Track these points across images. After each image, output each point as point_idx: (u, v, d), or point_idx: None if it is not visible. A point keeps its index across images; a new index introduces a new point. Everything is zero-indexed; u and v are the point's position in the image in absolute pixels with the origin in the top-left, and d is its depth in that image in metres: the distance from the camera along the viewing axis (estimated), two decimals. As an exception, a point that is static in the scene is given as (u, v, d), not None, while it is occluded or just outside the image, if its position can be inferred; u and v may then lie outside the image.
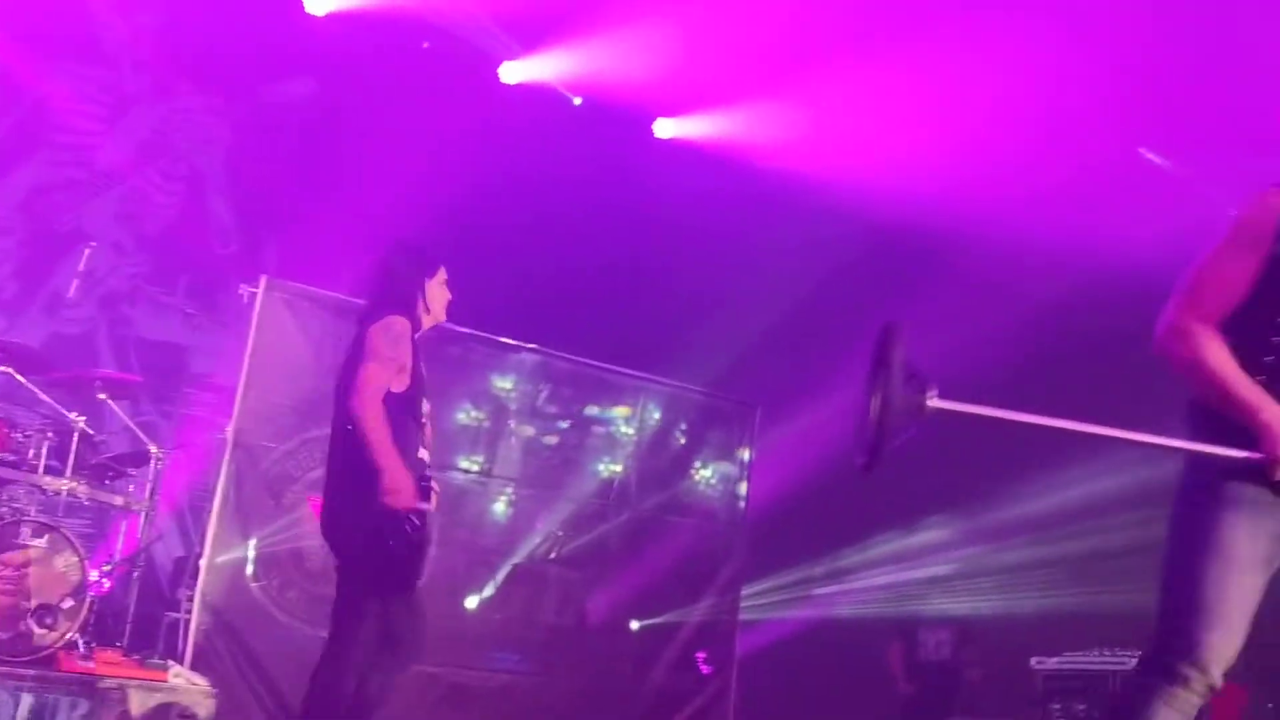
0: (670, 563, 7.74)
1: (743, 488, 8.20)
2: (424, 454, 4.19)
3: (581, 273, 8.65)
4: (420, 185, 7.78)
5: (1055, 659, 6.67)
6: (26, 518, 5.37)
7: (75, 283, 6.56)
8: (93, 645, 5.36)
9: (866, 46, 7.31)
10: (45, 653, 5.14)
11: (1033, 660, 6.74)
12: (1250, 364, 2.49)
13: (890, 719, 8.42)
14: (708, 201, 9.01)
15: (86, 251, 6.48)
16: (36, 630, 5.15)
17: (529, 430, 7.45)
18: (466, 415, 7.21)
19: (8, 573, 5.16)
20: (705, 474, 8.23)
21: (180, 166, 8.42)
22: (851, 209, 8.31)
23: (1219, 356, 2.49)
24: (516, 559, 7.17)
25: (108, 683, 5.05)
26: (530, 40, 8.57)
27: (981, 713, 8.06)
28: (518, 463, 7.32)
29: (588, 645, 7.45)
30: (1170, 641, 2.39)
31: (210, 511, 6.23)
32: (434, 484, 4.28)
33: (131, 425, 6.41)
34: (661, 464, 7.97)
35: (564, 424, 7.69)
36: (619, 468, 7.82)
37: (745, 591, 8.28)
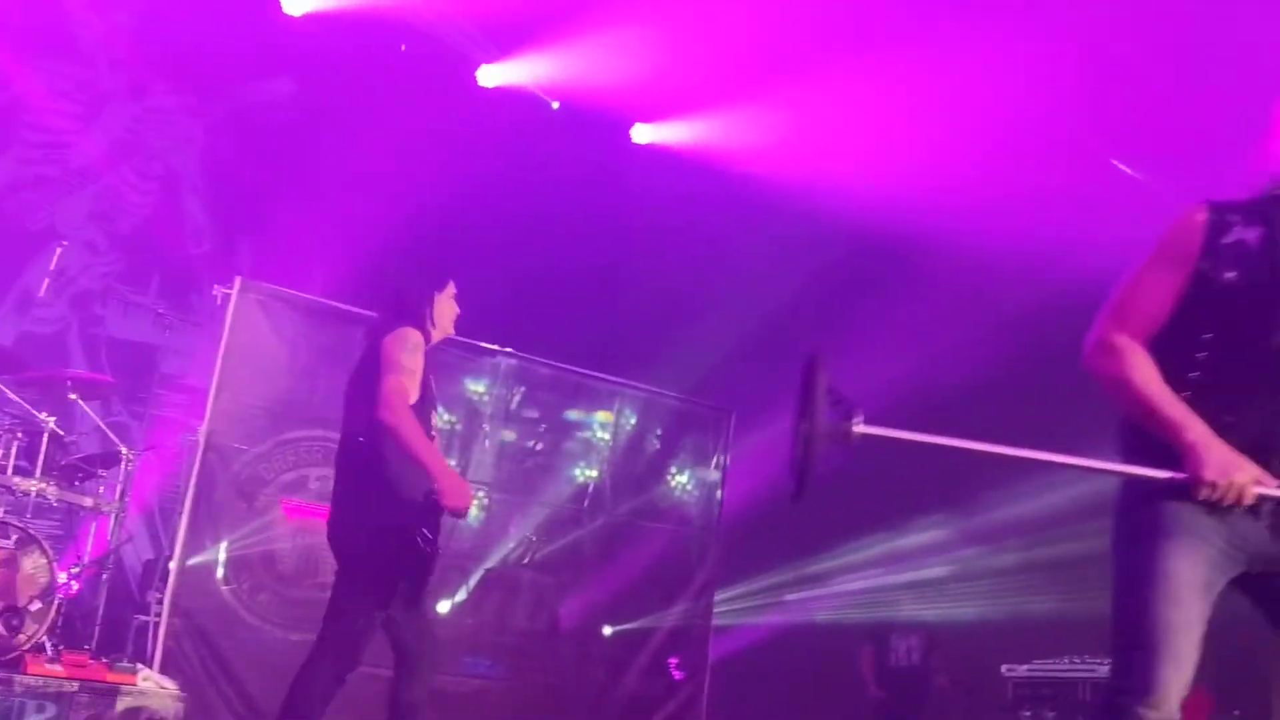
0: (644, 568, 7.74)
1: (718, 493, 8.20)
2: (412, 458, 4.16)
3: (557, 277, 8.65)
4: (396, 188, 7.77)
5: (1026, 666, 6.69)
6: (-6, 519, 5.31)
7: (46, 282, 6.50)
8: (60, 648, 5.31)
9: (842, 54, 7.33)
10: (12, 655, 5.09)
11: (1003, 667, 6.77)
12: (1176, 381, 2.49)
13: (861, 724, 8.45)
14: (684, 207, 9.03)
15: (58, 250, 6.43)
16: (3, 633, 5.10)
17: (503, 435, 7.44)
18: (439, 419, 7.18)
19: (-25, 574, 5.11)
20: (681, 479, 8.23)
21: (155, 165, 8.37)
22: (828, 215, 8.34)
23: (1145, 373, 2.48)
24: (489, 564, 7.16)
25: (74, 686, 5.01)
26: (508, 44, 8.56)
27: (952, 719, 8.11)
28: (491, 467, 7.30)
29: (560, 650, 7.44)
30: (1124, 681, 2.37)
31: (181, 514, 6.19)
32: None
33: (102, 426, 6.36)
34: (637, 469, 7.97)
35: (539, 429, 7.67)
36: (594, 473, 7.82)
37: (719, 597, 8.29)
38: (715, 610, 8.18)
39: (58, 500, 5.80)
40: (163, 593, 6.04)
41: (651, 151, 9.25)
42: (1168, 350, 2.55)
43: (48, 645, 5.23)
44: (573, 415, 7.87)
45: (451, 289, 4.50)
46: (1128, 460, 2.49)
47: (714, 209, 9.01)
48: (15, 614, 5.14)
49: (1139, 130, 6.84)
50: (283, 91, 8.72)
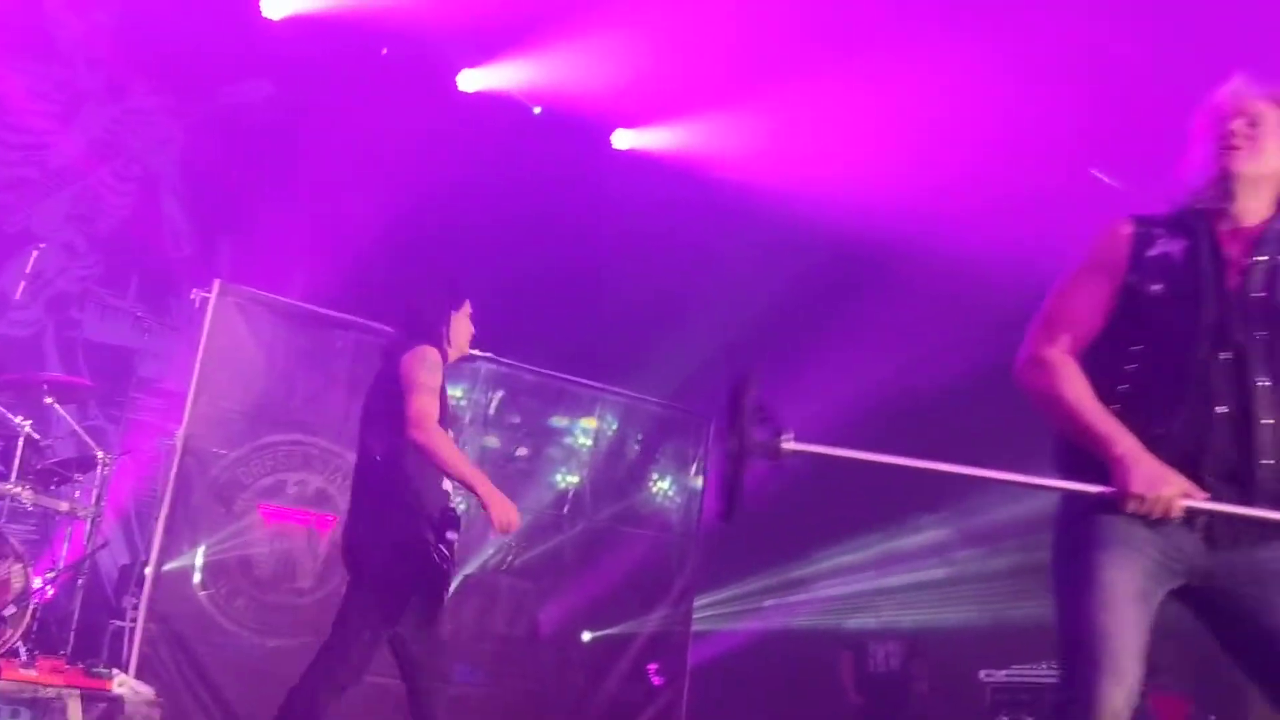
0: (624, 574, 7.74)
1: (697, 499, 8.21)
2: (448, 484, 4.17)
3: (537, 282, 8.64)
4: (376, 192, 7.76)
5: (1004, 671, 6.72)
6: (-32, 523, 5.27)
7: (22, 285, 6.45)
8: (35, 653, 5.27)
9: (823, 61, 7.36)
10: (-14, 661, 5.05)
11: (981, 673, 6.79)
12: (1106, 393, 2.50)
13: (840, 730, 8.45)
14: (665, 212, 9.04)
15: (35, 253, 6.39)
16: (-23, 638, 5.06)
17: (484, 440, 7.42)
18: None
19: (-52, 579, 5.07)
20: (662, 485, 8.24)
21: (134, 167, 8.33)
22: (808, 221, 8.36)
23: (1075, 388, 2.49)
24: (468, 570, 7.13)
25: (49, 692, 4.97)
26: (489, 48, 8.56)
27: (931, 725, 8.13)
28: (470, 472, 7.27)
29: (539, 656, 7.43)
30: (1068, 693, 2.37)
31: (158, 518, 6.15)
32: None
33: (78, 430, 6.31)
34: (617, 474, 7.97)
35: (520, 434, 7.66)
36: (575, 478, 7.81)
37: (698, 602, 8.29)
38: (695, 616, 8.18)
39: (33, 505, 5.76)
40: (139, 598, 6.00)
41: (632, 157, 9.25)
42: (1097, 363, 2.56)
43: (22, 651, 5.19)
44: (553, 421, 7.87)
45: (467, 308, 4.52)
46: (1064, 476, 2.50)
47: (694, 214, 9.02)
48: (-11, 619, 5.10)
49: (1119, 137, 6.88)
50: (262, 94, 8.68)
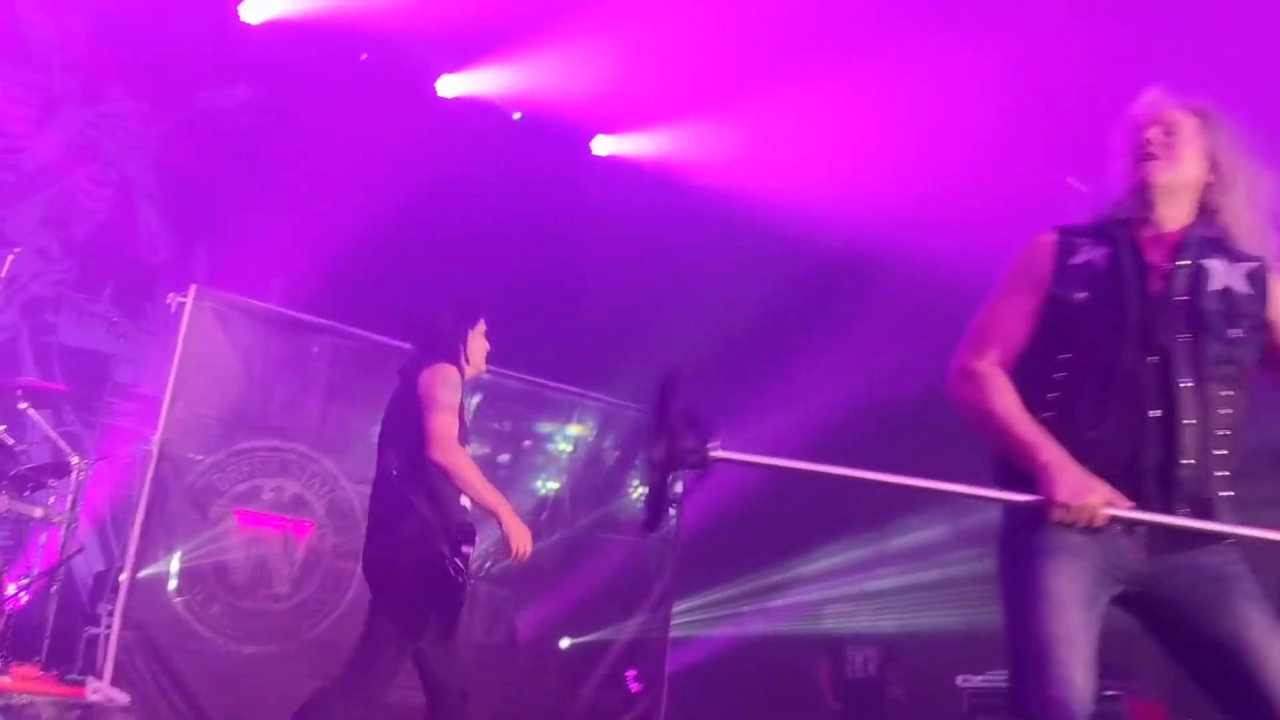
0: (602, 580, 7.73)
1: (675, 505, 8.21)
2: (466, 500, 4.20)
3: (516, 287, 8.63)
4: (355, 197, 7.74)
5: (980, 677, 6.74)
6: (-59, 529, 5.24)
7: (-4, 289, 6.41)
8: (9, 660, 5.23)
9: (802, 69, 7.39)
10: (-42, 668, 5.01)
11: (959, 678, 6.81)
12: (1037, 402, 2.52)
13: (818, 736, 8.47)
14: (645, 219, 9.05)
15: (10, 257, 6.34)
16: (-50, 645, 5.02)
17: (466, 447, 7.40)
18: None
19: (-80, 586, 5.03)
20: (641, 491, 8.23)
21: (110, 172, 8.28)
22: (788, 229, 8.39)
23: (1004, 399, 2.51)
24: (446, 576, 7.10)
25: (23, 699, 4.93)
26: (469, 54, 8.56)
27: (908, 730, 8.15)
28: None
29: (517, 663, 7.41)
30: (1018, 702, 2.38)
31: (133, 524, 6.12)
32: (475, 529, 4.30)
33: (53, 435, 6.27)
34: (596, 480, 7.97)
35: (499, 440, 7.65)
36: (555, 485, 7.81)
37: (676, 609, 8.29)
38: (673, 622, 8.19)
39: (7, 511, 5.71)
40: (114, 604, 5.96)
41: (612, 163, 9.26)
42: (1028, 373, 2.59)
43: (-5, 658, 5.15)
44: (532, 426, 7.86)
45: (482, 325, 4.55)
46: (999, 487, 2.51)
47: (674, 221, 9.03)
48: (-38, 626, 5.06)
49: (1098, 147, 6.92)
50: (240, 99, 8.65)
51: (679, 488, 8.31)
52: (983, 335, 2.62)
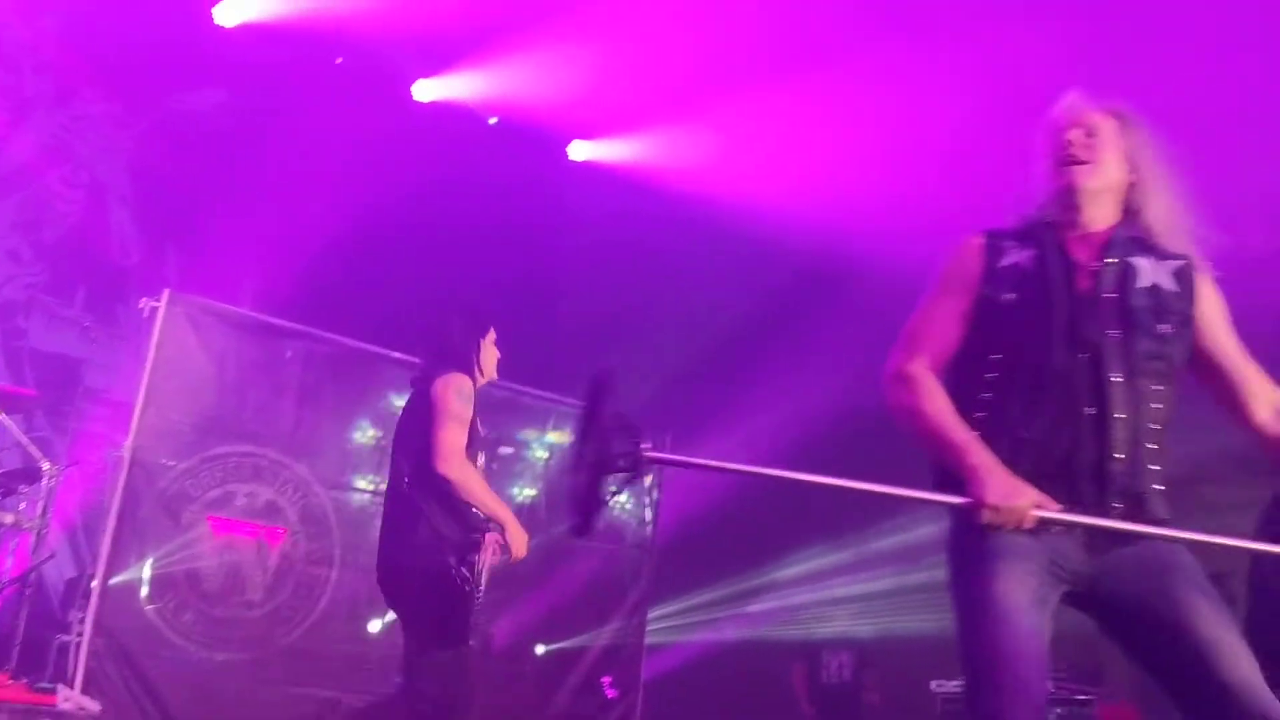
0: (578, 586, 7.72)
1: (650, 512, 8.21)
2: (478, 509, 4.22)
3: (492, 293, 8.60)
4: (329, 201, 7.71)
5: (954, 682, 6.76)
6: (-91, 536, 5.18)
7: (-34, 293, 6.36)
8: (-23, 669, 5.18)
9: (776, 77, 7.41)
10: (-74, 677, 4.96)
11: (933, 683, 6.84)
12: (971, 403, 2.54)
13: (793, 742, 8.48)
14: (621, 224, 9.05)
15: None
16: (-83, 653, 4.96)
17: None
18: (363, 434, 7.14)
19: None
20: (619, 498, 8.22)
21: (82, 174, 8.22)
22: (763, 235, 8.40)
23: (935, 402, 2.52)
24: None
25: (-8, 708, 4.89)
26: (445, 59, 8.54)
27: (882, 735, 8.17)
28: (424, 484, 7.24)
29: (493, 669, 7.38)
30: (974, 710, 2.37)
31: (105, 531, 6.07)
32: (490, 537, 4.31)
33: (24, 441, 6.22)
34: (572, 486, 7.95)
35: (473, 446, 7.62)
36: (531, 491, 7.79)
37: (651, 615, 8.29)
38: (648, 628, 8.19)
39: (-24, 517, 5.66)
40: (85, 611, 5.91)
41: (589, 168, 9.26)
42: (961, 374, 2.61)
43: (-36, 666, 5.10)
44: (509, 433, 7.84)
45: (493, 335, 4.59)
46: (937, 491, 2.51)
47: (651, 227, 9.04)
48: (-70, 634, 5.01)
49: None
50: (214, 102, 8.61)
51: (651, 492, 8.33)
52: (915, 339, 2.64)
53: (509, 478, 7.74)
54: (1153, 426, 2.49)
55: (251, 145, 8.23)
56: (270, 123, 8.23)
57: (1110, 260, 2.58)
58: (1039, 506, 2.33)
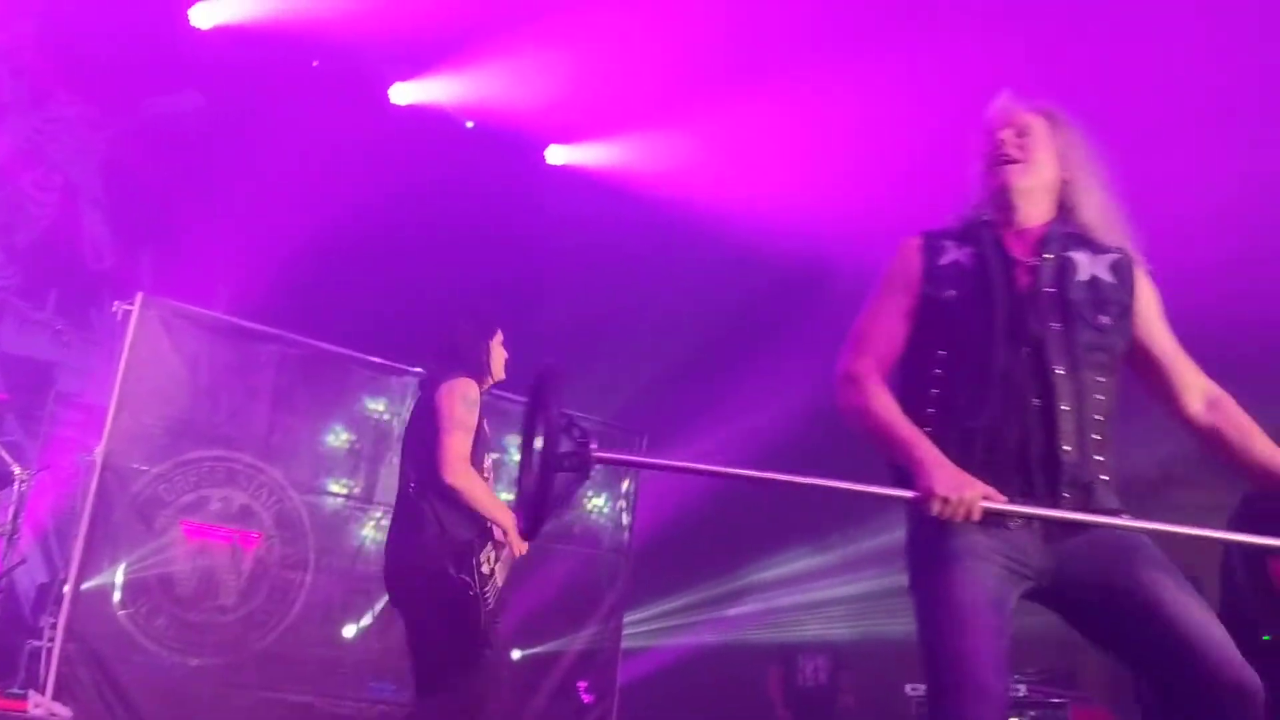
0: (555, 591, 7.71)
1: (627, 516, 8.21)
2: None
3: (469, 296, 8.59)
4: (305, 205, 7.68)
5: (929, 686, 6.78)
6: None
7: (-62, 296, 6.31)
8: (-54, 675, 5.14)
9: (753, 82, 7.43)
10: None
11: (907, 687, 6.85)
12: (920, 399, 2.57)
13: (769, 746, 8.49)
14: (599, 228, 9.06)
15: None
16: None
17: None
18: (336, 438, 7.12)
19: None
20: (596, 502, 8.23)
21: (55, 177, 8.16)
22: (741, 240, 8.41)
23: (882, 401, 2.54)
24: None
25: (-39, 714, 4.85)
26: (422, 62, 8.53)
27: (858, 739, 8.19)
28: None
29: (468, 674, 7.37)
30: (936, 715, 2.38)
31: (77, 535, 6.03)
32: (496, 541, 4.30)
33: (-5, 445, 6.18)
34: (548, 491, 7.94)
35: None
36: (507, 495, 7.76)
37: (628, 619, 8.29)
38: (624, 633, 8.18)
39: (-54, 522, 5.62)
40: (57, 617, 5.88)
41: (566, 173, 9.26)
42: (910, 372, 2.65)
43: (-67, 672, 5.06)
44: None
45: (500, 336, 4.62)
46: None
47: (628, 231, 9.05)
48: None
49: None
50: (189, 105, 8.57)
51: (628, 496, 8.33)
52: (862, 340, 2.67)
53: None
54: (1097, 418, 2.53)
55: (227, 148, 8.19)
56: (246, 125, 8.20)
57: (1048, 255, 2.62)
58: (987, 498, 2.34)
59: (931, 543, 2.46)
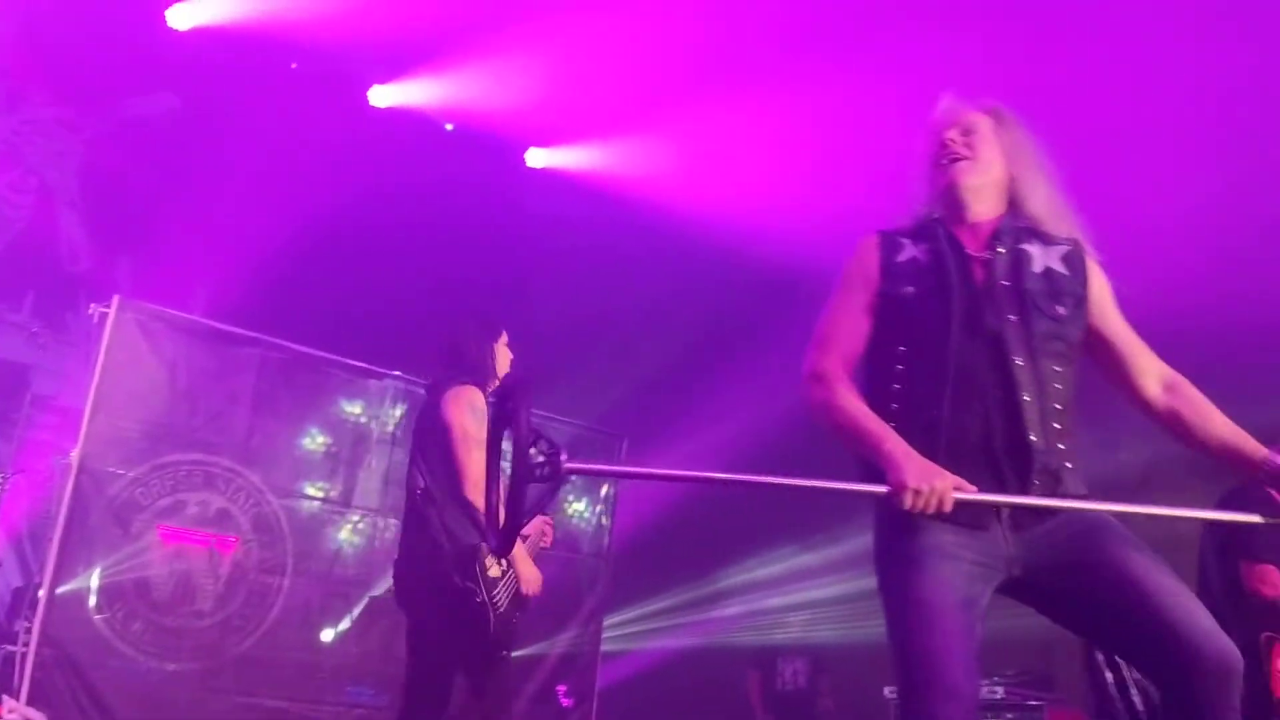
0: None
1: (607, 519, 8.21)
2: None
3: (447, 299, 8.57)
4: (283, 207, 7.65)
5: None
6: None
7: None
8: (-81, 680, 5.10)
9: (734, 86, 7.45)
10: None
11: (887, 690, 6.87)
12: (883, 394, 2.60)
13: (749, 749, 8.50)
14: (579, 232, 9.05)
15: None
16: None
17: (391, 458, 7.34)
18: (313, 441, 7.09)
19: None
20: (577, 506, 8.22)
21: (31, 179, 8.11)
22: (721, 244, 8.43)
23: (849, 397, 2.57)
24: (375, 591, 7.04)
25: (-66, 720, 4.81)
26: (401, 65, 8.51)
27: (837, 742, 8.20)
28: (378, 492, 7.21)
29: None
30: (905, 717, 2.40)
31: (52, 539, 5.99)
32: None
33: (-31, 448, 6.13)
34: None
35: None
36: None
37: (607, 622, 8.28)
38: (604, 636, 8.18)
39: (-81, 526, 5.57)
40: (32, 621, 5.83)
41: (546, 175, 9.25)
42: (873, 368, 2.68)
43: (-95, 678, 5.01)
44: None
45: (504, 338, 4.57)
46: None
47: (608, 235, 9.05)
48: None
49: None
50: (167, 106, 8.52)
51: (608, 500, 8.32)
52: (825, 338, 2.69)
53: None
54: (1057, 406, 2.56)
55: (205, 150, 8.15)
56: (224, 128, 8.16)
57: (1001, 249, 2.66)
58: (958, 489, 2.36)
59: (899, 543, 2.47)
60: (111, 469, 6.20)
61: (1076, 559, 2.46)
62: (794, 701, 8.45)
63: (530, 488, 2.22)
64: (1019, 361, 2.54)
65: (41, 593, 5.87)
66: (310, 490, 7.03)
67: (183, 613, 6.35)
